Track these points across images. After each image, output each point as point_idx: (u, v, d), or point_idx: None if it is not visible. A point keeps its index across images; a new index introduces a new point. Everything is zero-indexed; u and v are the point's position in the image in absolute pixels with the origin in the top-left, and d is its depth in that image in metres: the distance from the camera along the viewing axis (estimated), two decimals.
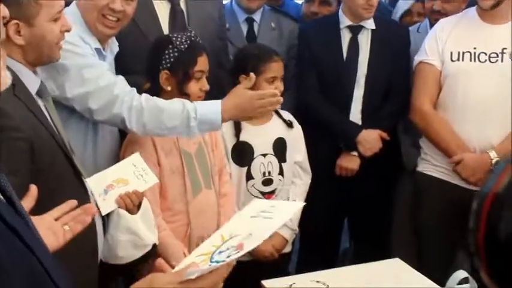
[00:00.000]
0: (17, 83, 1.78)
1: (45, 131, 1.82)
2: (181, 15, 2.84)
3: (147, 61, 2.50)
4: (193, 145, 2.54)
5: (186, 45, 2.42)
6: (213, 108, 2.22)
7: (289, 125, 2.89)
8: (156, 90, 2.45)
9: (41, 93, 1.92)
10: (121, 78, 2.32)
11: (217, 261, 1.17)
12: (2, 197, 0.91)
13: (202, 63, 2.44)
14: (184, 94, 2.41)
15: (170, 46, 2.42)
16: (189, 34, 2.46)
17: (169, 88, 2.43)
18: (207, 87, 2.45)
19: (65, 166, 1.89)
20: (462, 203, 2.80)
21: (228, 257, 1.16)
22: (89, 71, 2.21)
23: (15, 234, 0.80)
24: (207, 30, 2.88)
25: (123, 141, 2.51)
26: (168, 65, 2.42)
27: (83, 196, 1.96)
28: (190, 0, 2.89)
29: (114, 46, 2.55)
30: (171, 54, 2.42)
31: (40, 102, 1.91)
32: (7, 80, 0.89)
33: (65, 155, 1.89)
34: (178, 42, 2.41)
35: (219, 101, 2.24)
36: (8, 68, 1.74)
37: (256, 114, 2.37)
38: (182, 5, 2.87)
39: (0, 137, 1.64)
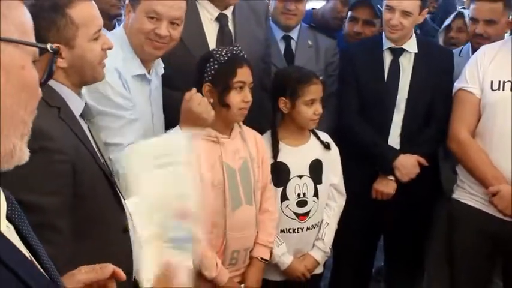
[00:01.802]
0: (62, 105, 1.82)
1: (87, 154, 1.85)
2: (229, 35, 2.88)
3: (194, 76, 2.56)
4: (238, 160, 2.58)
5: (226, 58, 2.47)
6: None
7: (327, 146, 2.89)
8: None
9: (84, 115, 1.95)
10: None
11: None
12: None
13: (243, 74, 2.48)
14: (225, 105, 2.47)
15: (211, 59, 2.48)
16: (231, 48, 2.52)
17: (211, 100, 2.48)
18: (249, 98, 2.50)
19: (105, 188, 1.92)
20: (497, 234, 2.81)
21: None
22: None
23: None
24: (252, 51, 2.90)
25: None
26: (210, 77, 2.48)
27: (121, 217, 1.99)
28: (239, 21, 2.92)
29: (159, 68, 2.60)
30: (212, 67, 2.48)
31: (83, 124, 1.94)
32: (25, 156, 0.87)
33: (106, 177, 1.92)
34: (218, 55, 2.47)
35: (177, 127, 2.37)
36: (54, 91, 1.83)
37: (206, 122, 2.42)
38: (230, 26, 2.90)
39: (42, 159, 1.66)
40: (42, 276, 0.88)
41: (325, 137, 2.95)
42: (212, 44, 2.84)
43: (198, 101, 2.39)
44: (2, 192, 0.85)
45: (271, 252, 2.76)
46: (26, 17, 0.86)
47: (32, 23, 0.88)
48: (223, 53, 2.47)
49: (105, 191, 1.92)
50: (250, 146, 2.63)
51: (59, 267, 0.96)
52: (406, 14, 3.05)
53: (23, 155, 0.86)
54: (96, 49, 1.92)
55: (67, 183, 1.76)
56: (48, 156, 1.68)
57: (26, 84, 0.84)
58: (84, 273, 1.26)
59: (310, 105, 2.77)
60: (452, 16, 3.86)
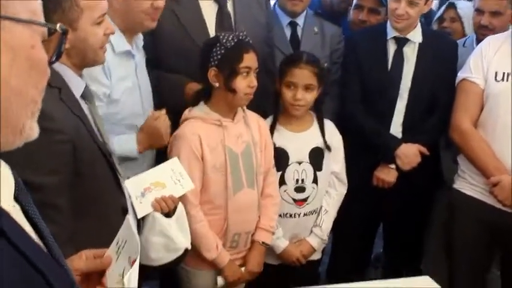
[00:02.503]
0: (62, 86, 1.83)
1: (87, 134, 1.87)
2: (228, 17, 2.88)
3: (199, 61, 2.57)
4: (240, 144, 2.60)
5: (233, 43, 2.48)
6: (128, 143, 2.38)
7: (328, 147, 2.88)
8: (207, 88, 2.56)
9: (85, 96, 1.97)
10: None
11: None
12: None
13: (249, 59, 2.49)
14: (231, 90, 2.48)
15: (218, 44, 2.49)
16: (237, 33, 2.52)
17: (217, 84, 2.50)
18: (254, 83, 2.51)
19: (105, 169, 1.94)
20: (496, 225, 2.82)
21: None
22: None
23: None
24: (254, 34, 2.88)
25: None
26: (216, 62, 2.48)
27: (121, 198, 2.02)
28: (239, 3, 2.92)
29: (139, 41, 2.61)
30: (218, 52, 2.48)
31: (84, 105, 1.95)
32: (35, 133, 0.88)
33: (105, 158, 1.94)
34: (225, 40, 2.48)
35: (134, 136, 2.40)
36: (55, 72, 1.83)
37: (163, 142, 2.48)
38: (229, 7, 2.90)
39: (43, 139, 1.69)
40: (49, 259, 0.89)
41: (330, 126, 2.94)
42: (211, 25, 2.84)
43: (163, 119, 2.42)
44: (9, 170, 0.86)
45: None
46: None
47: (41, 4, 0.88)
48: (229, 38, 2.48)
49: (104, 172, 1.94)
50: (253, 130, 2.64)
51: (60, 246, 0.97)
52: (412, 3, 3.03)
53: (32, 133, 0.87)
54: (99, 33, 1.93)
55: (67, 162, 1.78)
56: (49, 136, 1.69)
57: (35, 63, 0.85)
58: (85, 260, 1.26)
59: (290, 89, 2.77)
60: (443, 7, 3.85)
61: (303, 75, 2.76)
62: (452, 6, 3.77)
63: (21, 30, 0.82)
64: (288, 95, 2.77)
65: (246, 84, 2.49)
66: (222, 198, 2.57)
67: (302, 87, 2.75)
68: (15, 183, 0.87)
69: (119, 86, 2.41)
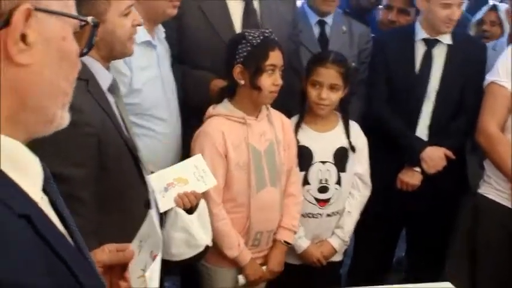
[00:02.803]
0: (90, 78, 1.84)
1: (113, 128, 1.87)
2: (254, 14, 2.88)
3: (224, 57, 2.57)
4: (264, 142, 2.59)
5: (259, 40, 2.47)
6: None
7: (352, 148, 2.86)
8: (231, 85, 2.55)
9: (112, 89, 1.97)
10: None
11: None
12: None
13: (275, 57, 2.48)
14: (256, 87, 2.47)
15: (244, 41, 2.49)
16: (263, 31, 2.52)
17: (242, 82, 2.50)
18: (279, 81, 2.50)
19: (129, 163, 1.94)
20: None
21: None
22: None
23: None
24: (279, 31, 2.88)
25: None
26: (241, 59, 2.48)
27: (144, 193, 2.02)
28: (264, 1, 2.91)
29: (160, 33, 2.62)
30: (244, 49, 2.48)
31: (111, 98, 1.96)
32: (65, 122, 0.89)
33: (130, 152, 1.94)
34: (251, 37, 2.47)
35: None
36: (83, 64, 1.84)
37: None
38: (256, 4, 2.90)
39: (70, 132, 1.70)
40: (74, 250, 0.90)
41: (355, 128, 2.92)
42: (237, 22, 2.85)
43: None
44: (38, 161, 0.86)
45: None
46: None
47: None
48: (255, 36, 2.47)
49: (129, 165, 1.95)
50: (276, 128, 2.64)
51: (83, 238, 0.97)
52: (460, 5, 3.03)
53: (63, 121, 0.88)
54: (126, 25, 1.93)
55: (93, 155, 1.79)
56: (77, 129, 1.69)
57: (66, 55, 0.86)
58: (108, 253, 1.27)
59: (316, 88, 2.75)
60: (484, 9, 3.80)
61: (329, 74, 2.74)
62: (495, 9, 3.73)
63: (53, 22, 0.83)
64: (313, 94, 2.76)
65: (271, 82, 2.48)
66: (245, 196, 2.57)
67: (327, 86, 2.74)
68: (44, 174, 0.87)
69: (139, 76, 2.42)
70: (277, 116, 2.68)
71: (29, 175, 0.83)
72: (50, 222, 0.86)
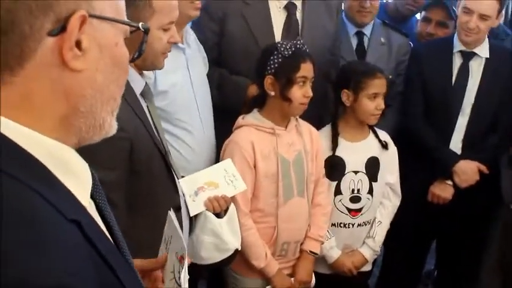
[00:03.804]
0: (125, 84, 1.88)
1: (145, 132, 1.90)
2: (295, 25, 2.89)
3: (255, 67, 2.59)
4: (292, 152, 2.60)
5: (291, 52, 2.48)
6: None
7: (384, 146, 2.88)
8: (262, 96, 2.57)
9: (144, 94, 1.99)
10: None
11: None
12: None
13: (306, 69, 2.49)
14: (286, 99, 2.48)
15: (275, 52, 2.49)
16: (295, 42, 2.52)
17: (273, 93, 2.51)
18: (310, 93, 2.50)
19: (161, 167, 1.97)
20: None
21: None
22: None
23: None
24: (319, 43, 2.91)
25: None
26: (273, 70, 2.49)
27: (175, 197, 2.05)
28: (308, 11, 2.92)
29: (188, 36, 2.62)
30: (276, 60, 2.49)
31: (143, 103, 1.98)
32: (114, 129, 0.92)
33: (162, 156, 1.97)
34: (283, 49, 2.48)
35: None
36: None
37: None
38: (298, 16, 2.91)
39: None
40: (119, 256, 0.92)
41: (384, 135, 2.93)
42: (278, 32, 2.86)
43: None
44: (87, 167, 0.88)
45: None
46: None
47: (124, 2, 0.91)
48: (287, 47, 2.48)
49: (160, 170, 1.97)
50: (305, 139, 2.65)
51: None
52: (483, 17, 2.98)
53: (111, 129, 0.91)
54: (163, 39, 1.93)
55: (125, 159, 1.82)
56: None
57: (118, 60, 0.87)
58: (139, 260, 1.28)
59: (373, 99, 2.75)
60: None
61: (383, 84, 2.78)
62: None
63: (106, 28, 0.84)
64: (370, 106, 2.75)
65: (301, 93, 2.48)
66: (273, 207, 2.58)
67: (382, 96, 2.76)
68: (92, 180, 0.89)
69: (164, 78, 2.42)
70: (305, 126, 2.70)
71: (79, 180, 0.85)
72: (99, 228, 0.88)
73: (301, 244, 2.71)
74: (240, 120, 2.60)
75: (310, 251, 2.71)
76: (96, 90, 0.84)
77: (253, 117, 2.59)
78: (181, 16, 2.45)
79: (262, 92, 2.56)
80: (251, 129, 2.55)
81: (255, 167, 2.52)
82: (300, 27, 2.91)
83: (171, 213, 1.35)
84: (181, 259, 1.25)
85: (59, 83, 0.80)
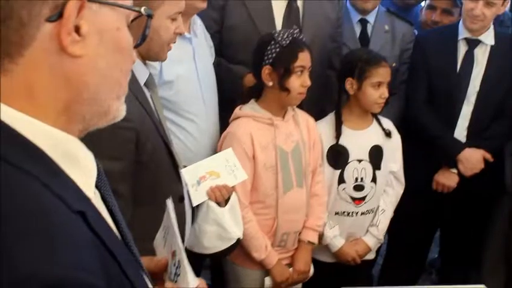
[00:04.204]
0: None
1: (150, 122, 1.89)
2: (296, 12, 2.87)
3: (252, 58, 2.57)
4: (290, 143, 2.59)
5: (288, 41, 2.45)
6: None
7: (388, 134, 2.86)
8: (259, 86, 2.54)
9: (148, 84, 1.99)
10: None
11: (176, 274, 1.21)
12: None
13: (304, 58, 2.47)
14: (285, 89, 2.47)
15: (272, 42, 2.47)
16: (292, 31, 2.49)
17: (271, 83, 2.49)
18: (308, 83, 2.48)
19: (165, 157, 1.96)
20: None
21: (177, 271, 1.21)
22: None
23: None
24: (321, 30, 2.89)
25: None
26: (270, 60, 2.47)
27: (178, 187, 2.05)
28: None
29: (196, 27, 2.61)
30: (273, 50, 2.47)
31: (147, 93, 1.97)
32: (122, 113, 0.91)
33: (166, 147, 1.96)
34: (280, 39, 2.46)
35: None
36: None
37: None
38: (299, 3, 2.88)
39: (108, 125, 1.73)
40: (123, 247, 0.91)
41: (387, 123, 2.92)
42: (279, 20, 2.84)
43: None
44: (92, 157, 0.88)
45: (320, 237, 2.79)
46: None
47: None
48: (285, 36, 2.46)
49: (164, 160, 1.97)
50: (302, 129, 2.64)
51: None
52: (489, 4, 2.96)
53: (119, 113, 0.90)
54: (170, 29, 1.94)
55: (131, 149, 1.81)
56: (115, 123, 1.72)
57: (120, 45, 0.86)
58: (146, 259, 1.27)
59: (377, 88, 2.73)
60: None
61: (388, 73, 2.76)
62: None
63: (107, 13, 0.83)
64: (375, 94, 2.73)
65: (299, 83, 2.47)
66: (273, 198, 2.57)
67: (386, 85, 2.75)
68: (97, 171, 0.89)
69: (170, 68, 2.41)
70: (302, 115, 2.68)
71: (84, 171, 0.85)
72: (103, 219, 0.87)
73: (299, 234, 2.71)
74: (237, 111, 2.58)
75: (309, 241, 2.71)
76: (99, 76, 0.83)
77: (251, 108, 2.57)
78: (189, 7, 2.45)
79: (259, 82, 2.54)
80: (249, 120, 2.54)
81: (253, 158, 2.51)
82: (301, 14, 2.89)
83: (169, 203, 1.34)
84: (173, 255, 1.23)
85: (60, 70, 0.79)
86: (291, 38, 2.46)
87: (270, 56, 2.47)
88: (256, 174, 2.50)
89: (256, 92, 2.58)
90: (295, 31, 2.49)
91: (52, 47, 0.78)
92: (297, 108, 2.65)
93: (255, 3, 2.83)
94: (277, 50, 2.46)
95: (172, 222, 1.26)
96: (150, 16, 0.94)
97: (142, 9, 0.92)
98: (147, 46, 1.91)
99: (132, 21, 0.91)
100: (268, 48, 2.47)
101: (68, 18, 0.77)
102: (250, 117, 2.54)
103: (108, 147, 1.71)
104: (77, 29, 0.79)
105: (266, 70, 2.48)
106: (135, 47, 0.92)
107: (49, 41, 0.78)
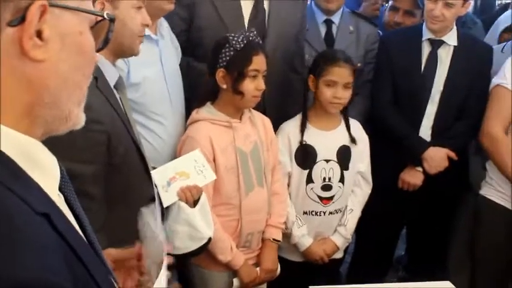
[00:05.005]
0: (99, 75, 1.83)
1: (121, 124, 1.88)
2: (262, 13, 2.87)
3: (208, 60, 2.57)
4: (249, 144, 2.60)
5: (242, 45, 2.45)
6: None
7: (353, 140, 2.88)
8: (214, 88, 2.54)
9: (117, 86, 1.97)
10: None
11: None
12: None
13: (258, 62, 2.47)
14: (238, 92, 2.47)
15: (227, 45, 2.47)
16: (247, 34, 2.50)
17: (224, 86, 2.49)
18: (262, 86, 2.49)
19: (136, 159, 1.96)
20: None
21: None
22: None
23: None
24: (285, 31, 2.90)
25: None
26: (224, 63, 2.47)
27: (149, 189, 2.04)
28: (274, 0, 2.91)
29: (162, 29, 2.61)
30: (227, 53, 2.47)
31: (117, 95, 1.96)
32: (81, 122, 0.90)
33: (137, 148, 1.95)
34: (234, 42, 2.46)
35: None
36: None
37: None
38: (266, 4, 2.89)
39: (81, 128, 1.71)
40: (89, 249, 0.91)
41: (355, 125, 2.94)
42: (246, 20, 2.84)
43: None
44: (55, 160, 0.87)
45: (288, 235, 2.81)
46: None
47: None
48: (239, 40, 2.46)
49: (135, 162, 1.96)
50: (259, 129, 2.65)
51: None
52: (448, 5, 3.01)
53: (79, 121, 0.89)
54: (137, 19, 1.93)
55: (102, 152, 1.80)
56: (86, 125, 1.70)
57: (83, 49, 0.86)
58: (113, 249, 1.28)
59: (330, 87, 2.75)
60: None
61: (344, 73, 2.75)
62: None
63: (69, 17, 0.83)
64: (327, 93, 2.75)
65: (253, 86, 2.47)
66: (236, 199, 2.57)
67: (342, 85, 2.74)
68: (60, 174, 0.89)
69: (138, 71, 2.40)
70: (258, 116, 2.69)
71: (47, 174, 0.84)
72: (68, 221, 0.87)
73: (263, 233, 2.71)
74: (194, 114, 2.56)
75: (273, 239, 2.72)
76: (60, 80, 0.83)
77: (208, 111, 2.56)
78: (156, 9, 2.45)
79: (214, 84, 2.53)
80: (207, 123, 2.52)
81: (214, 161, 2.50)
82: (266, 15, 2.89)
83: (145, 211, 1.33)
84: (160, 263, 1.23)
85: (21, 74, 0.79)
86: (245, 41, 2.45)
87: (224, 59, 2.47)
88: (217, 177, 2.46)
89: (212, 95, 2.57)
90: (251, 34, 2.49)
91: (14, 50, 0.78)
92: (252, 109, 2.66)
93: (224, 3, 2.82)
94: (231, 53, 2.45)
95: (153, 231, 1.26)
96: (112, 20, 0.94)
97: (105, 14, 0.92)
98: (119, 40, 1.88)
99: (96, 23, 0.91)
100: (223, 51, 2.47)
101: (30, 23, 0.77)
102: (207, 121, 2.53)
103: (80, 150, 1.71)
104: (39, 34, 0.79)
105: (220, 73, 2.48)
106: (98, 50, 0.92)
107: (11, 44, 0.77)
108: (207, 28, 2.80)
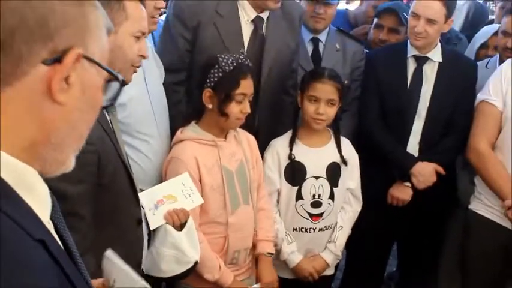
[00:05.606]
0: None
1: (111, 146, 1.89)
2: (260, 38, 2.91)
3: (196, 78, 2.58)
4: (234, 163, 2.61)
5: (231, 67, 2.46)
6: None
7: (344, 162, 2.89)
8: (199, 107, 2.55)
9: (107, 107, 1.95)
10: None
11: None
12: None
13: (246, 86, 2.48)
14: (224, 114, 2.47)
15: (216, 66, 2.47)
16: (237, 56, 2.51)
17: (210, 106, 2.50)
18: (247, 110, 2.50)
19: (124, 179, 1.96)
20: (511, 246, 2.80)
21: None
22: None
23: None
24: (280, 57, 2.95)
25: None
26: (212, 84, 2.47)
27: (136, 210, 2.04)
28: (271, 25, 2.93)
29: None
30: (216, 74, 2.47)
31: (107, 116, 1.96)
32: (71, 166, 0.92)
33: (126, 169, 1.96)
34: (224, 64, 2.46)
35: None
36: None
37: None
38: (264, 29, 2.92)
39: None
40: (78, 274, 0.92)
41: (345, 143, 2.95)
42: (246, 44, 2.88)
43: None
44: (47, 190, 0.89)
45: (278, 252, 2.81)
46: (105, 43, 0.92)
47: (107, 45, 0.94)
48: (229, 62, 2.46)
49: (124, 183, 1.96)
50: (244, 147, 2.66)
51: (81, 255, 0.99)
52: (431, 22, 3.04)
53: (71, 166, 0.92)
54: (134, 47, 1.93)
55: (92, 172, 1.81)
56: None
57: (96, 104, 0.90)
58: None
59: (313, 102, 2.78)
60: (490, 33, 3.74)
61: (326, 89, 2.77)
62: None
63: (93, 72, 0.87)
64: (310, 109, 2.78)
65: (239, 109, 2.47)
66: (222, 217, 2.57)
67: (325, 101, 2.76)
68: (52, 203, 0.90)
69: (123, 91, 2.37)
70: (243, 134, 2.70)
71: (41, 202, 0.86)
72: (61, 248, 0.89)
73: (253, 250, 2.71)
74: (179, 134, 2.56)
75: (268, 252, 2.72)
76: (70, 126, 0.86)
77: (193, 131, 2.56)
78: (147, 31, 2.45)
79: (200, 103, 2.53)
80: (192, 143, 2.52)
81: (200, 181, 2.50)
82: (265, 41, 2.93)
83: (109, 254, 1.34)
84: None
85: (39, 111, 0.81)
86: (235, 63, 2.46)
87: (212, 79, 2.47)
88: (204, 196, 2.45)
89: (197, 114, 2.58)
90: (241, 57, 2.51)
91: (39, 88, 0.81)
92: (239, 128, 2.66)
93: (226, 26, 2.84)
94: (220, 74, 2.46)
95: (121, 267, 1.26)
96: (123, 84, 0.99)
97: (120, 77, 0.97)
98: (112, 64, 1.88)
99: (106, 82, 0.95)
100: (212, 71, 2.47)
101: (66, 66, 0.81)
102: (193, 140, 2.53)
103: (72, 171, 1.70)
104: (66, 78, 0.82)
105: (207, 93, 2.48)
106: (105, 107, 0.96)
107: (39, 81, 0.80)
108: (208, 49, 2.82)
